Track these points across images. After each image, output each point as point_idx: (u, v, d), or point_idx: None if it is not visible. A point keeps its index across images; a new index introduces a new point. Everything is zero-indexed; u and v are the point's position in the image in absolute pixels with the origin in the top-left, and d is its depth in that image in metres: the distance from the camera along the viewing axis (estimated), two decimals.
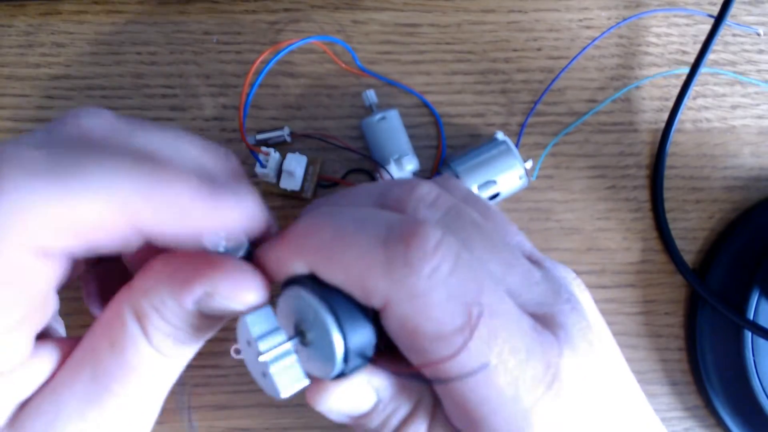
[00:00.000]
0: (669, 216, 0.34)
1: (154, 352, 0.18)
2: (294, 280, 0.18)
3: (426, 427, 0.20)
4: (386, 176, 0.33)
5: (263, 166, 0.32)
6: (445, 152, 0.34)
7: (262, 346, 0.18)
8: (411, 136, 0.34)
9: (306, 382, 0.18)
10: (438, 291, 0.17)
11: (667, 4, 0.36)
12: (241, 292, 0.18)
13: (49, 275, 0.17)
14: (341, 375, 0.18)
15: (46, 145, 0.17)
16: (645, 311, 0.34)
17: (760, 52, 0.36)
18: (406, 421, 0.20)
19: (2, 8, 0.35)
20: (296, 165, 0.32)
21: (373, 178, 0.34)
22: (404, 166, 0.32)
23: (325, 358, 0.17)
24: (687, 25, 0.36)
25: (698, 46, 0.34)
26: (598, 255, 0.34)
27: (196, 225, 0.17)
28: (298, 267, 0.18)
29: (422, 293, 0.17)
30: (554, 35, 0.36)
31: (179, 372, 0.20)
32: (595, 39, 0.35)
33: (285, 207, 0.34)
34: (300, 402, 0.33)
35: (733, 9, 0.33)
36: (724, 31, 0.35)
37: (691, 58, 0.34)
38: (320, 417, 0.33)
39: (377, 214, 0.19)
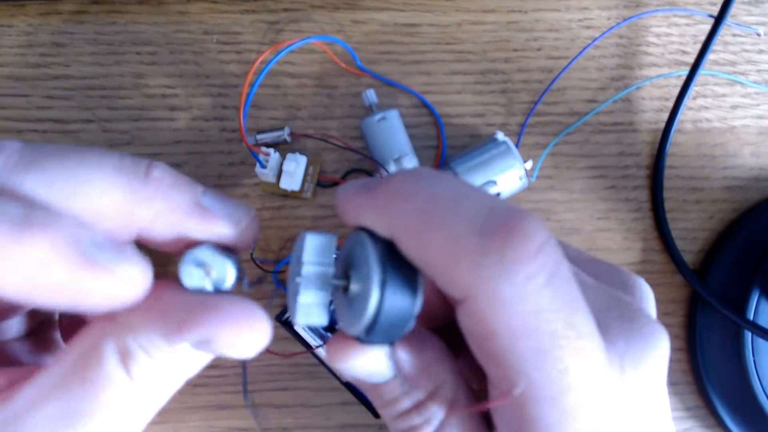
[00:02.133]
0: (669, 216, 0.34)
1: (135, 391, 0.17)
2: (367, 229, 0.17)
3: (442, 416, 0.18)
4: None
5: (263, 166, 0.32)
6: (445, 152, 0.34)
7: (306, 269, 0.17)
8: (411, 136, 0.34)
9: (323, 322, 0.18)
10: (527, 302, 0.15)
11: (667, 4, 0.36)
12: (242, 340, 0.17)
13: None
14: (360, 340, 0.17)
15: None
16: None
17: (760, 52, 0.36)
18: (419, 406, 0.18)
19: (2, 8, 0.35)
20: (296, 165, 0.32)
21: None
22: (404, 166, 0.32)
23: (354, 317, 0.17)
24: (687, 25, 0.36)
25: (698, 46, 0.34)
26: (598, 255, 0.34)
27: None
28: (379, 229, 0.17)
29: (509, 300, 0.15)
30: (554, 35, 0.36)
31: (163, 402, 0.18)
32: (595, 39, 0.35)
33: (285, 207, 0.34)
34: (300, 402, 0.33)
35: (733, 9, 0.33)
36: (724, 31, 0.35)
37: (691, 58, 0.34)
38: (320, 417, 0.33)
39: (478, 193, 0.17)
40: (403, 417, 0.19)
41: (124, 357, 0.17)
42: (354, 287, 0.17)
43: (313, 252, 0.17)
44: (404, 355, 0.18)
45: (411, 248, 0.16)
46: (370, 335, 0.17)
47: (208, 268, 0.18)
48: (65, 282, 0.15)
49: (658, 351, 0.18)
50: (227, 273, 0.18)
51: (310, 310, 0.17)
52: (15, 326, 0.23)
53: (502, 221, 0.15)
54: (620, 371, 0.17)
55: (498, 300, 0.15)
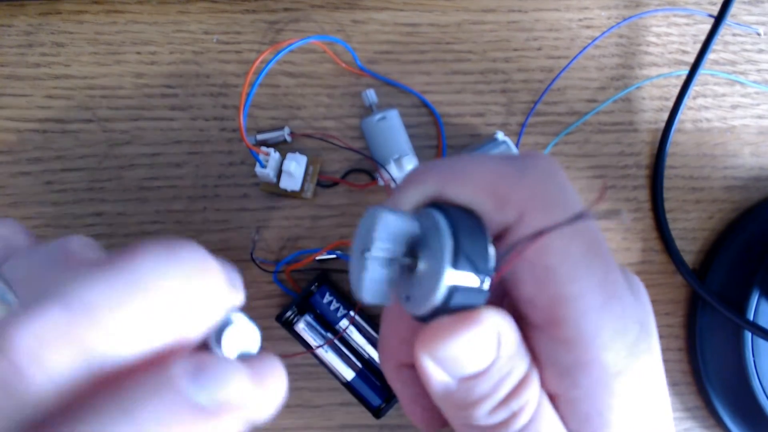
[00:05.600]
0: (669, 216, 0.34)
1: None
2: (427, 206, 0.17)
3: (538, 396, 0.17)
4: (386, 176, 0.33)
5: (263, 166, 0.32)
6: (445, 152, 0.34)
7: (377, 245, 0.16)
8: (411, 136, 0.34)
9: (387, 301, 0.17)
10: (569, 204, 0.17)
11: (667, 4, 0.36)
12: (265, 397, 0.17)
13: None
14: (434, 314, 0.16)
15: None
16: None
17: (760, 51, 0.36)
18: (517, 389, 0.17)
19: (2, 8, 0.35)
20: (296, 165, 0.32)
21: (373, 178, 0.34)
22: (404, 166, 0.32)
23: (424, 295, 0.16)
24: (687, 24, 0.36)
25: (698, 46, 0.34)
26: None
27: None
28: (427, 188, 0.18)
29: (560, 201, 0.17)
30: (554, 35, 0.36)
31: None
32: (595, 39, 0.35)
33: (285, 207, 0.34)
34: (300, 402, 0.33)
35: (733, 9, 0.33)
36: (724, 31, 0.35)
37: (691, 58, 0.34)
38: (320, 417, 0.33)
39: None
40: (500, 408, 0.17)
41: None
42: (423, 265, 0.17)
43: (386, 230, 0.16)
44: (509, 322, 0.17)
45: (458, 186, 0.17)
46: (452, 300, 0.16)
47: (243, 335, 0.17)
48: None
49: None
50: (254, 333, 0.17)
51: (377, 287, 0.17)
52: None
53: (521, 153, 0.18)
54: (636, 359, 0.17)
55: (550, 203, 0.17)
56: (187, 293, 0.14)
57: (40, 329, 0.12)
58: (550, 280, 0.16)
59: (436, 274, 0.16)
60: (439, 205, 0.17)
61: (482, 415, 0.17)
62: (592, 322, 0.16)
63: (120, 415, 0.13)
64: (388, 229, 0.16)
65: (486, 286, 0.16)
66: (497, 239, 0.17)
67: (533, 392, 0.17)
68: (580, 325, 0.16)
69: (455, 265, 0.16)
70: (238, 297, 0.17)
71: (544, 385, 0.17)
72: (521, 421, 0.17)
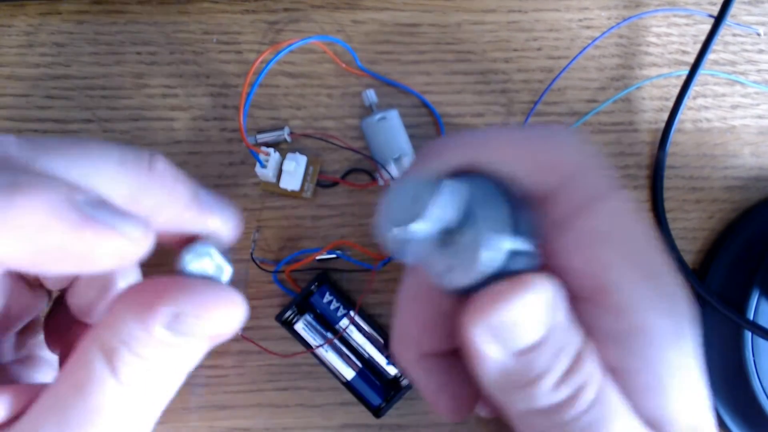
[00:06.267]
0: (669, 216, 0.34)
1: (124, 391, 0.16)
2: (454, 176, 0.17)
3: (600, 374, 0.16)
4: (386, 176, 0.33)
5: (263, 166, 0.32)
6: None
7: (430, 212, 0.15)
8: (411, 136, 0.34)
9: (415, 260, 0.17)
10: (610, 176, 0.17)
11: (667, 4, 0.36)
12: (213, 310, 0.16)
13: None
14: (481, 284, 0.15)
15: None
16: None
17: (760, 52, 0.36)
18: (578, 361, 0.16)
19: (2, 8, 0.35)
20: (296, 165, 0.32)
21: (373, 178, 0.34)
22: (404, 166, 0.32)
23: (468, 263, 0.15)
24: (687, 25, 0.36)
25: (698, 46, 0.34)
26: None
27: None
28: (461, 156, 0.17)
29: (598, 166, 0.17)
30: (554, 35, 0.36)
31: (162, 404, 0.18)
32: (595, 39, 0.35)
33: (285, 207, 0.34)
34: (300, 402, 0.33)
35: (733, 9, 0.33)
36: (724, 31, 0.35)
37: (691, 58, 0.34)
38: (320, 417, 0.33)
39: None
40: (564, 383, 0.16)
41: (109, 357, 0.16)
42: (470, 232, 0.16)
43: (441, 199, 0.16)
44: (557, 288, 0.16)
45: (496, 152, 0.17)
46: (488, 282, 0.15)
47: (210, 259, 0.18)
48: (68, 243, 0.15)
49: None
50: (225, 267, 0.18)
51: (419, 255, 0.16)
52: (9, 348, 0.22)
53: (547, 125, 0.18)
54: None
55: (592, 166, 0.16)
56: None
57: None
58: (597, 243, 0.16)
59: (493, 238, 0.15)
60: (474, 173, 0.17)
61: (545, 392, 0.16)
62: (641, 286, 0.16)
63: None
64: (442, 198, 0.16)
65: (538, 250, 0.16)
66: (538, 206, 0.17)
67: (594, 365, 0.16)
68: (629, 289, 0.16)
69: (513, 228, 0.15)
70: (217, 224, 0.18)
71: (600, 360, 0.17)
72: (588, 396, 0.16)
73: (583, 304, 0.16)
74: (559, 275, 0.16)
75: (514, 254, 0.15)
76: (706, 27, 0.34)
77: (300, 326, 0.31)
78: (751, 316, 0.32)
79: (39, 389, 0.17)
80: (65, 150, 0.16)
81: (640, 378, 0.16)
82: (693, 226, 0.35)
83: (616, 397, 0.16)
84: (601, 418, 0.16)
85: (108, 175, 0.17)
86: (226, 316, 0.17)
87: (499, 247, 0.15)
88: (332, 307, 0.32)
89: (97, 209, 0.15)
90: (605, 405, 0.16)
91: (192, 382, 0.33)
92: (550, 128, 0.18)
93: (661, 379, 0.16)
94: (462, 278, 0.16)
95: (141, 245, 0.16)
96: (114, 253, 0.15)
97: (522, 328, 0.15)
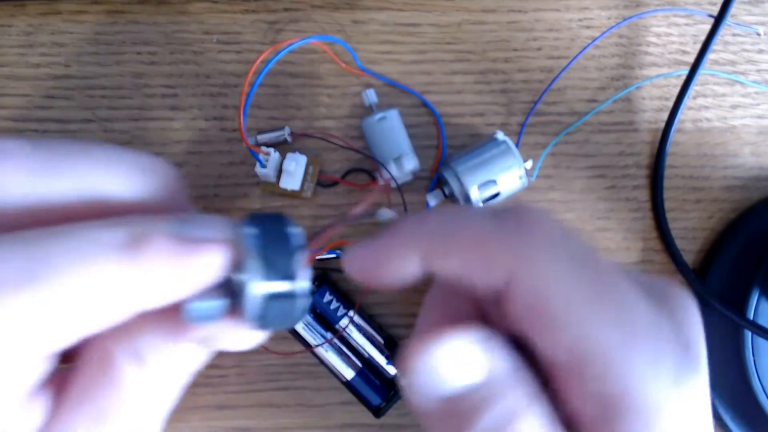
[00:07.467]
0: (669, 216, 0.34)
1: (151, 385, 0.18)
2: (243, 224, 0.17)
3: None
4: (386, 176, 0.33)
5: (263, 166, 0.32)
6: (445, 152, 0.34)
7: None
8: (411, 136, 0.34)
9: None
10: (561, 250, 0.16)
11: (667, 4, 0.36)
12: (241, 336, 0.18)
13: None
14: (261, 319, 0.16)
15: None
16: None
17: (760, 51, 0.36)
18: (523, 413, 0.15)
19: (2, 8, 0.35)
20: (296, 165, 0.32)
21: (373, 178, 0.34)
22: (404, 166, 0.32)
23: (242, 305, 0.16)
24: (687, 25, 0.36)
25: (698, 46, 0.34)
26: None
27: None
28: (412, 262, 0.17)
29: (546, 257, 0.16)
30: (554, 35, 0.36)
31: (177, 394, 0.20)
32: (595, 39, 0.35)
33: (285, 207, 0.34)
34: (300, 401, 0.33)
35: (733, 9, 0.33)
36: (724, 31, 0.35)
37: (691, 58, 0.34)
38: (320, 416, 0.33)
39: (476, 207, 0.18)
40: None
41: (135, 357, 0.17)
42: (237, 277, 0.17)
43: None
44: (498, 338, 0.16)
45: (446, 257, 0.16)
46: (266, 318, 0.16)
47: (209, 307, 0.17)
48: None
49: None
50: (222, 302, 0.18)
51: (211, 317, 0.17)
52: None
53: (509, 208, 0.17)
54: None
55: (537, 260, 0.16)
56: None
57: None
58: (558, 329, 0.15)
59: (245, 281, 0.16)
60: (253, 217, 0.17)
61: None
62: (618, 354, 0.15)
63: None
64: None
65: (300, 287, 0.16)
66: (492, 305, 0.17)
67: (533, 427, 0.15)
68: (605, 359, 0.15)
69: (263, 275, 0.16)
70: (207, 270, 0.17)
71: None
72: None
73: (568, 384, 0.16)
74: (543, 364, 0.16)
75: (278, 294, 0.16)
76: (706, 27, 0.34)
77: (300, 326, 0.31)
78: (751, 316, 0.32)
79: (63, 375, 0.18)
80: (76, 156, 0.17)
81: None
82: (693, 226, 0.35)
83: None
84: None
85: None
86: (249, 338, 0.18)
87: (257, 293, 0.16)
88: (332, 306, 0.32)
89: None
90: None
91: (192, 382, 0.32)
92: (507, 215, 0.17)
93: None
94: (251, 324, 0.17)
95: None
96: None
97: (447, 373, 0.16)
